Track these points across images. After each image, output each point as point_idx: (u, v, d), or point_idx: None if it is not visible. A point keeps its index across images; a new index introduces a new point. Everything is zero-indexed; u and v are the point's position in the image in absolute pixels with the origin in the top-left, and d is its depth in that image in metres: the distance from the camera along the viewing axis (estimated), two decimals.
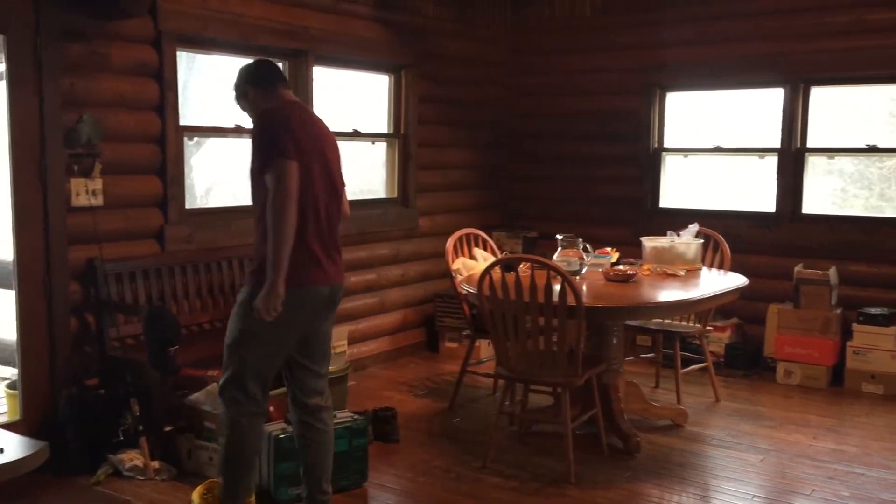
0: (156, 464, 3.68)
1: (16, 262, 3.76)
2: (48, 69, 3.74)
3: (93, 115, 3.90)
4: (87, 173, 3.92)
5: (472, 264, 4.81)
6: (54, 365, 3.86)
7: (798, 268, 5.35)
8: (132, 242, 4.14)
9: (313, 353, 3.15)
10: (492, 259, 4.70)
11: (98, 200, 3.96)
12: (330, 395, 3.25)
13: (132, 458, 3.68)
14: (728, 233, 5.22)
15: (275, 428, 3.47)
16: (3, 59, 3.67)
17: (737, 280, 4.40)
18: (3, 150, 3.73)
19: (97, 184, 3.95)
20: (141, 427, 3.65)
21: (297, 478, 3.43)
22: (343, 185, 3.18)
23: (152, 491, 3.51)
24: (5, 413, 4.15)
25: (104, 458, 3.70)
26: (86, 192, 3.91)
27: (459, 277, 4.64)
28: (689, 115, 6.13)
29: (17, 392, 3.88)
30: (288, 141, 2.85)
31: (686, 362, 5.07)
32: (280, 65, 4.15)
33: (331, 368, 4.10)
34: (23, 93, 3.69)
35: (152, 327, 3.66)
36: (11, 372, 5.00)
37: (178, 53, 4.30)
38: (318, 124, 3.11)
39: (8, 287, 3.96)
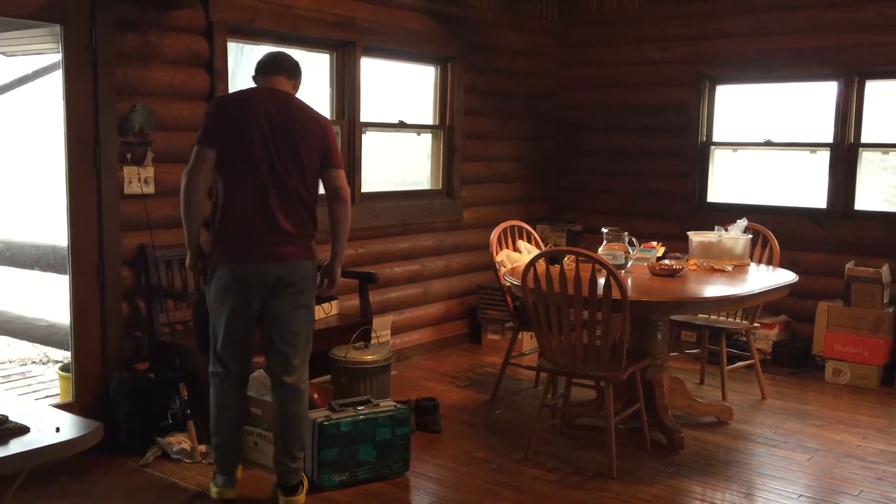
0: (203, 447, 3.75)
1: (70, 247, 3.85)
2: (103, 59, 3.82)
3: (145, 105, 3.98)
4: (139, 161, 4.00)
5: (516, 256, 4.81)
6: (106, 349, 3.95)
7: (849, 265, 5.24)
8: (182, 230, 4.20)
9: (270, 331, 3.27)
10: (536, 251, 4.68)
11: (150, 188, 4.04)
12: (297, 374, 3.31)
13: (180, 442, 3.76)
14: (777, 229, 5.13)
15: (319, 414, 3.52)
16: (61, 49, 3.76)
17: (785, 276, 4.33)
18: (59, 138, 3.82)
19: (149, 172, 4.03)
20: (189, 411, 3.72)
21: (340, 464, 3.48)
22: (329, 166, 3.25)
23: (199, 474, 3.58)
24: (58, 394, 4.27)
25: (153, 440, 3.79)
26: (138, 179, 3.99)
27: (503, 269, 4.64)
28: (739, 108, 6.04)
29: (69, 374, 3.98)
30: (209, 128, 3.15)
31: (732, 359, 5.00)
32: (331, 55, 4.18)
33: (374, 357, 4.18)
34: (78, 82, 3.77)
35: (201, 313, 3.72)
36: (64, 355, 5.15)
37: (229, 44, 4.36)
38: (284, 110, 3.18)
39: (62, 272, 4.06)
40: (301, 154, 3.18)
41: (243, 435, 3.54)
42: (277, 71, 3.28)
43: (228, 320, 3.25)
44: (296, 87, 3.35)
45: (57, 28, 3.75)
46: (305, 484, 3.41)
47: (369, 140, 5.27)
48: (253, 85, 3.35)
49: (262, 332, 3.31)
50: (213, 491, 3.38)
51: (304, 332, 3.31)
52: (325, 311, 4.56)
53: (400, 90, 5.67)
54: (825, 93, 5.59)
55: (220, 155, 3.16)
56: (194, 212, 3.21)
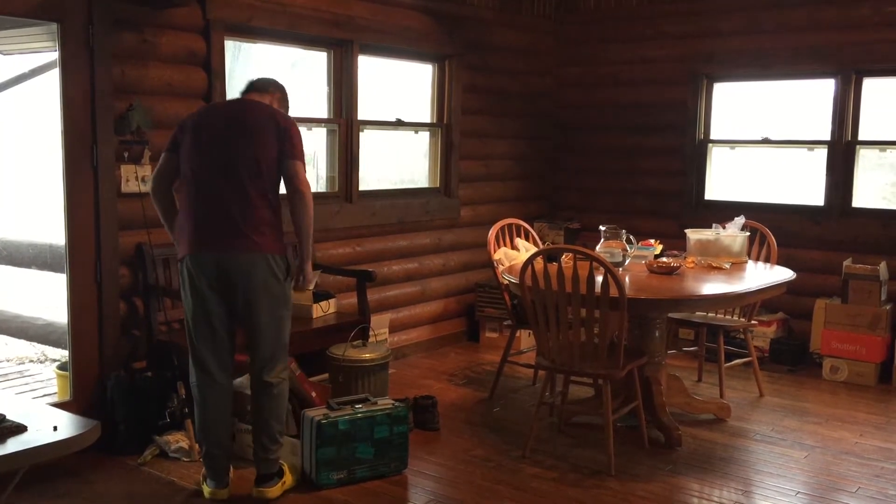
0: None
1: (67, 246, 3.85)
2: (100, 57, 3.81)
3: (142, 103, 3.97)
4: (136, 160, 4.00)
5: (514, 254, 4.81)
6: (103, 347, 3.95)
7: (847, 262, 5.25)
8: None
9: (243, 325, 3.33)
10: (534, 249, 4.69)
11: (147, 187, 4.00)
12: (266, 370, 3.32)
13: (178, 440, 3.76)
14: (775, 226, 5.14)
15: (316, 413, 3.52)
16: (58, 48, 3.75)
17: (783, 274, 4.34)
18: (56, 136, 3.81)
19: (146, 170, 4.02)
20: (186, 409, 3.72)
21: (338, 462, 3.48)
22: (285, 157, 3.24)
23: (197, 472, 3.57)
24: (56, 393, 4.27)
25: (151, 439, 3.79)
26: (135, 178, 3.99)
27: (501, 267, 4.64)
28: (736, 105, 6.04)
29: (67, 373, 3.98)
30: (173, 137, 3.36)
31: (730, 357, 5.01)
32: (326, 54, 4.34)
33: (372, 356, 4.17)
34: (75, 80, 3.77)
35: None
36: (62, 353, 5.14)
37: (226, 42, 4.36)
38: (242, 110, 3.30)
39: (59, 271, 4.06)
40: (255, 147, 3.20)
41: (231, 443, 3.49)
42: (251, 89, 3.43)
43: (195, 315, 3.29)
44: (274, 100, 3.41)
45: (54, 26, 3.74)
46: (287, 479, 3.42)
47: (367, 138, 5.27)
48: None
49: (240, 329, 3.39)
50: (206, 491, 3.40)
51: (268, 327, 3.29)
52: (323, 310, 4.56)
53: (397, 88, 5.67)
54: (822, 90, 5.60)
55: (180, 157, 3.30)
56: (163, 211, 3.38)
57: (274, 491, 3.36)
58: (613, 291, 3.53)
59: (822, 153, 5.62)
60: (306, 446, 3.51)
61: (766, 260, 4.84)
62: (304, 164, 3.29)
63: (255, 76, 3.51)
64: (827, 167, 5.58)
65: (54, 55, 3.84)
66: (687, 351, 5.49)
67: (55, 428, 2.52)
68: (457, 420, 4.37)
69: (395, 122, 5.51)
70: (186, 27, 4.18)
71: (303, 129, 4.97)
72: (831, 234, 5.56)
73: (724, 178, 6.10)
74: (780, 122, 5.84)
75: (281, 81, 3.50)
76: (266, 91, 3.41)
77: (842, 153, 5.52)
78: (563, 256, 4.23)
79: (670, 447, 4.01)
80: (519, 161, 6.44)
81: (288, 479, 3.44)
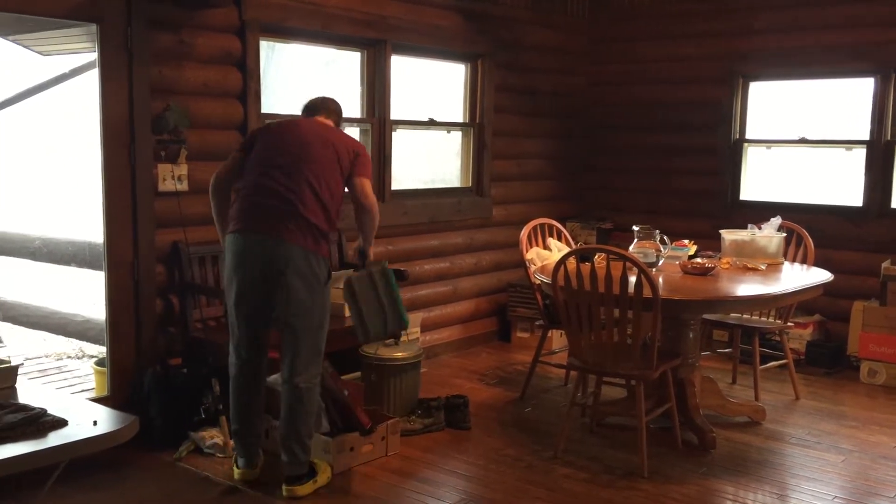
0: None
1: (106, 244, 3.91)
2: (138, 58, 3.87)
3: (179, 103, 4.02)
4: (173, 159, 4.05)
5: (546, 254, 4.80)
6: (140, 344, 4.01)
7: (886, 264, 5.16)
8: (215, 227, 4.25)
9: (278, 321, 3.34)
10: (566, 249, 4.67)
11: (183, 186, 4.09)
12: (291, 372, 3.35)
13: (212, 436, 3.80)
14: (812, 227, 5.06)
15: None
16: (96, 49, 3.81)
17: (820, 275, 4.28)
18: (94, 136, 3.88)
19: (183, 169, 4.07)
20: (221, 406, 3.76)
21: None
22: (353, 175, 3.44)
23: (231, 468, 3.61)
24: (93, 389, 4.34)
25: (186, 435, 3.83)
26: (172, 177, 4.04)
27: (533, 267, 4.63)
28: (772, 105, 5.96)
29: (105, 369, 4.04)
30: (246, 140, 3.54)
31: (765, 359, 4.95)
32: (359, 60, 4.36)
33: (404, 355, 4.18)
34: (114, 81, 3.82)
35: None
36: (100, 350, 5.22)
37: (260, 42, 4.39)
38: (301, 132, 3.45)
39: (98, 268, 4.12)
40: (326, 162, 3.36)
41: (261, 424, 3.59)
42: (315, 111, 3.60)
43: (233, 302, 3.37)
44: (331, 116, 3.62)
45: (93, 27, 3.80)
46: (319, 478, 3.45)
47: (399, 138, 5.29)
48: None
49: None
50: (236, 472, 3.50)
51: (303, 330, 3.32)
52: None
53: (430, 88, 5.67)
54: (861, 89, 5.51)
55: (250, 158, 3.44)
56: (218, 207, 3.47)
57: (304, 489, 3.39)
58: (647, 292, 3.50)
59: (860, 153, 5.53)
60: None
61: (803, 261, 4.78)
62: (370, 181, 3.50)
63: (312, 98, 3.67)
64: (866, 167, 5.50)
65: (93, 56, 3.90)
66: (721, 352, 5.43)
67: (95, 423, 2.55)
68: (488, 419, 4.37)
69: (427, 121, 5.52)
70: (222, 28, 4.22)
71: None
72: (870, 235, 5.47)
73: (759, 178, 6.03)
74: (818, 122, 5.75)
75: (333, 98, 3.70)
76: (330, 115, 3.60)
77: (881, 153, 5.43)
78: (596, 256, 4.20)
79: (704, 449, 3.97)
80: (551, 160, 6.41)
81: (320, 478, 3.46)
